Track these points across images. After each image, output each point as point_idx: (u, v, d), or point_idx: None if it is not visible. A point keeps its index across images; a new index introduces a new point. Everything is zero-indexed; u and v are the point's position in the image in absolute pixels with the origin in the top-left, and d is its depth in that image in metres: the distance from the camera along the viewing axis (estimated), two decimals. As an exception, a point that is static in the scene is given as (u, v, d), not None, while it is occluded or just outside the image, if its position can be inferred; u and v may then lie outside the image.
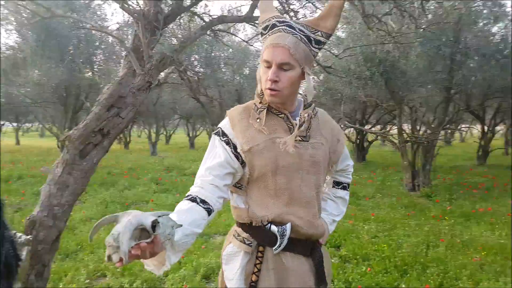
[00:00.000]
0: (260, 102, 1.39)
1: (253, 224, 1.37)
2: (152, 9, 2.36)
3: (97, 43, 9.93)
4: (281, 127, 1.38)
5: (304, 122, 1.38)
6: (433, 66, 6.66)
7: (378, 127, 14.74)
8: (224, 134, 1.38)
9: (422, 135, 7.98)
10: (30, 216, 2.16)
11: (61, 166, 2.22)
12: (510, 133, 15.93)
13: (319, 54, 1.50)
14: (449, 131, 14.18)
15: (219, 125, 1.42)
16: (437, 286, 3.40)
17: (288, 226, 1.35)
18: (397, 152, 9.65)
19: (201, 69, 8.14)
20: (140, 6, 2.30)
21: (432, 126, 8.02)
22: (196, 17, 3.18)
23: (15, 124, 20.17)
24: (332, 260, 3.93)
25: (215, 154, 1.37)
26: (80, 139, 2.18)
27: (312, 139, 1.40)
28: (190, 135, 22.34)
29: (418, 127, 8.54)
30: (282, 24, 1.33)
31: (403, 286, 3.40)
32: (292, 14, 3.18)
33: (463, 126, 17.41)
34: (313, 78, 1.59)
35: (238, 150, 1.35)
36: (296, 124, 1.37)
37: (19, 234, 1.99)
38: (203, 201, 1.28)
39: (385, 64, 6.33)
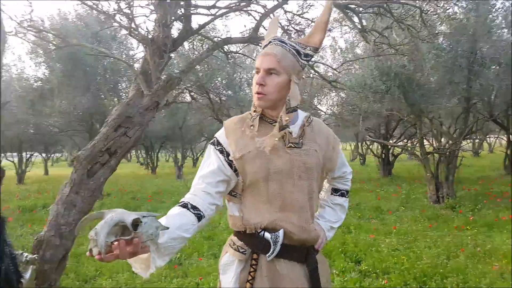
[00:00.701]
0: (255, 111, 1.46)
1: (247, 232, 1.41)
2: (161, 35, 2.57)
3: (123, 71, 10.41)
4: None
5: (283, 124, 1.41)
6: (451, 77, 6.62)
7: (404, 140, 14.51)
8: (218, 143, 1.45)
9: (443, 146, 7.85)
10: (37, 236, 2.21)
11: (69, 186, 2.33)
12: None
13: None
14: (476, 141, 13.75)
15: (215, 135, 1.49)
16: (457, 296, 3.35)
17: (281, 232, 1.38)
18: (419, 166, 9.49)
19: (223, 91, 8.42)
20: (149, 33, 2.52)
21: (454, 136, 7.89)
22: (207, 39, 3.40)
23: (44, 155, 20.81)
24: (351, 275, 3.94)
25: (209, 162, 1.44)
26: (87, 159, 2.33)
27: (305, 146, 1.45)
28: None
29: (439, 139, 8.41)
30: (275, 40, 1.45)
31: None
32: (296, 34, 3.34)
33: (490, 136, 16.82)
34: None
35: (231, 158, 1.41)
36: (290, 132, 1.43)
37: (25, 254, 2.02)
38: (194, 207, 1.34)
39: (400, 77, 6.36)
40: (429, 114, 7.68)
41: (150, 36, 2.55)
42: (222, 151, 1.43)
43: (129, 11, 2.28)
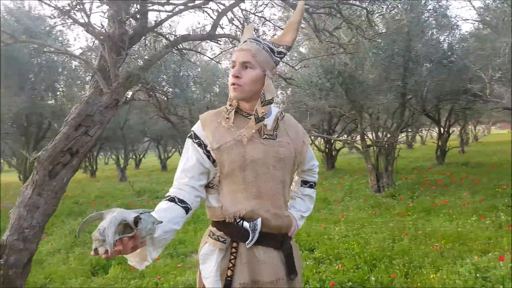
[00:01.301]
0: (230, 105, 1.53)
1: (226, 221, 1.47)
2: (117, 31, 2.52)
3: (60, 69, 9.81)
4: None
5: (259, 116, 1.49)
6: (388, 75, 7.11)
7: (345, 135, 15.28)
8: (196, 137, 1.50)
9: (382, 139, 8.42)
10: (-1, 241, 2.13)
11: (31, 188, 2.23)
12: (464, 132, 16.90)
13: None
14: (409, 134, 14.85)
15: (192, 128, 1.54)
16: (403, 275, 3.65)
17: (259, 221, 1.45)
18: (363, 158, 10.08)
19: (170, 89, 8.26)
20: (105, 29, 2.45)
21: (391, 130, 8.49)
22: (161, 37, 3.37)
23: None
24: (307, 262, 4.13)
25: (189, 156, 1.49)
26: (49, 159, 2.24)
27: (278, 138, 1.53)
28: (162, 157, 22.03)
29: (378, 132, 8.99)
30: (250, 39, 1.53)
31: (373, 278, 3.61)
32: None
33: (422, 129, 18.27)
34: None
35: (208, 149, 1.47)
36: (265, 124, 1.51)
37: None
38: (181, 201, 1.41)
39: (343, 75, 6.72)
40: (368, 110, 8.19)
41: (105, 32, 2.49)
42: (200, 144, 1.48)
43: (85, 7, 2.21)
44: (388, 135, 8.28)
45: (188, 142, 1.52)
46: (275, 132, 1.54)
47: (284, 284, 1.49)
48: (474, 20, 7.20)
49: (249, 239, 1.45)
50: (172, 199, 1.41)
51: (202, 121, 1.53)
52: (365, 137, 8.21)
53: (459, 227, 4.97)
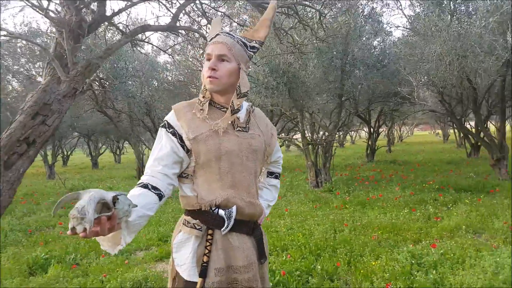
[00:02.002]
0: (204, 97, 1.55)
1: (202, 209, 1.50)
2: (74, 18, 2.40)
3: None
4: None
5: (235, 108, 1.54)
6: (327, 76, 7.49)
7: (283, 134, 15.73)
8: (170, 126, 1.50)
9: (321, 137, 8.85)
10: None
11: None
12: (391, 133, 18.32)
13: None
14: (342, 134, 15.74)
15: (165, 118, 1.54)
16: (346, 263, 3.90)
17: (234, 208, 1.50)
18: (301, 156, 10.50)
19: (107, 81, 7.89)
20: (61, 15, 2.32)
21: (329, 129, 8.96)
22: (113, 27, 3.24)
23: None
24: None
25: (162, 145, 1.49)
26: (4, 149, 2.10)
27: (250, 130, 1.59)
28: (93, 154, 20.88)
29: (317, 131, 9.43)
30: (223, 33, 1.58)
31: (319, 267, 3.81)
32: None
33: (354, 129, 19.45)
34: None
35: (184, 139, 1.48)
36: (238, 117, 1.56)
37: None
38: (154, 188, 1.41)
39: (288, 74, 6.96)
40: (309, 109, 8.56)
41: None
42: (175, 133, 1.49)
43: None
44: (326, 134, 8.72)
45: (162, 131, 1.52)
46: (247, 125, 1.59)
47: (256, 268, 1.56)
48: (405, 28, 7.85)
49: (225, 226, 1.49)
50: (145, 186, 1.41)
51: (176, 112, 1.54)
52: (306, 136, 8.56)
53: (393, 219, 5.41)
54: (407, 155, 16.71)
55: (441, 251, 3.86)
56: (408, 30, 8.26)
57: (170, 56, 7.33)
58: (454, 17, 6.97)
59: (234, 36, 1.57)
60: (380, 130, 16.32)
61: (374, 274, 3.53)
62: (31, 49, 9.17)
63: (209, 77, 1.49)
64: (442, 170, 10.53)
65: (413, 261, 3.71)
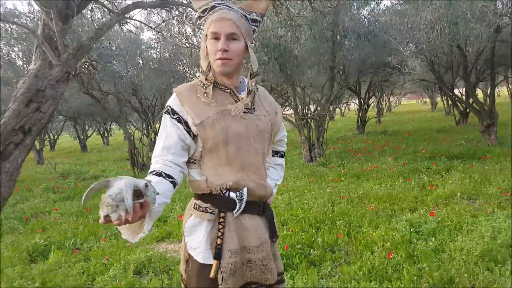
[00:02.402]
0: (206, 79, 1.47)
1: (213, 193, 1.47)
2: (62, -3, 2.28)
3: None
4: (228, 100, 1.49)
5: (252, 90, 1.51)
6: (319, 48, 7.38)
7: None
8: (174, 112, 1.45)
9: (313, 112, 8.82)
10: None
11: None
12: (380, 104, 18.39)
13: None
14: (333, 107, 15.74)
15: (168, 103, 1.48)
16: (345, 234, 3.96)
17: (245, 190, 1.48)
18: (293, 131, 10.49)
19: (94, 62, 7.67)
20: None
21: (322, 103, 8.92)
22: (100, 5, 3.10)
23: None
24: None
25: (168, 133, 1.45)
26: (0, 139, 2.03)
27: (256, 111, 1.54)
28: (81, 137, 20.59)
29: (310, 105, 9.39)
30: (221, 5, 1.45)
31: (319, 239, 3.86)
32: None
33: (345, 102, 19.47)
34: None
35: (190, 125, 1.44)
36: (243, 98, 1.50)
37: None
38: (169, 176, 1.39)
39: (279, 48, 6.82)
40: (300, 84, 8.49)
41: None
42: (180, 119, 1.45)
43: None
44: (319, 108, 8.69)
45: (166, 118, 1.47)
46: (253, 106, 1.54)
47: (268, 247, 1.56)
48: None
49: (237, 208, 1.48)
50: (159, 174, 1.38)
51: (178, 96, 1.48)
52: (298, 110, 8.52)
53: (388, 189, 5.48)
54: (397, 125, 16.85)
55: (439, 218, 3.94)
56: (397, -2, 8.13)
57: (160, 33, 7.10)
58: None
59: (234, 9, 1.47)
60: (370, 101, 16.35)
61: (375, 244, 3.59)
62: (7, 32, 8.80)
63: (221, 58, 1.42)
64: (433, 138, 10.65)
65: (411, 230, 3.79)
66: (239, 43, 1.44)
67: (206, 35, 1.47)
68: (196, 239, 1.50)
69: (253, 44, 1.58)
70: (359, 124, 14.10)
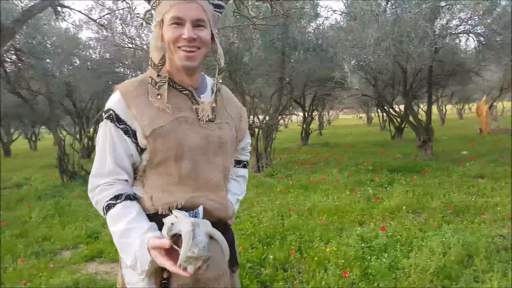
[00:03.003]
0: (158, 75, 1.18)
1: (160, 213, 1.19)
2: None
3: None
4: (186, 105, 1.22)
5: (218, 90, 1.27)
6: (269, 58, 7.31)
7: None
8: (119, 120, 1.16)
9: (261, 121, 8.71)
10: None
11: None
12: (322, 117, 18.90)
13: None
14: (281, 117, 15.92)
15: (110, 106, 1.18)
16: (296, 250, 3.78)
17: (201, 209, 1.21)
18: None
19: (23, 57, 6.90)
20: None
21: (270, 113, 8.84)
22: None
23: None
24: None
25: (115, 145, 1.18)
26: None
27: (217, 119, 1.28)
28: (4, 140, 18.71)
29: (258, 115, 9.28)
30: None
31: (271, 256, 3.63)
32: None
33: (291, 113, 19.78)
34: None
35: (138, 136, 1.17)
36: (203, 102, 1.25)
37: None
38: (133, 197, 1.19)
39: (230, 54, 6.61)
40: (250, 92, 8.34)
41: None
42: (127, 130, 1.17)
43: None
44: (267, 118, 8.60)
45: (109, 126, 1.18)
46: (214, 112, 1.27)
47: (227, 278, 1.28)
48: (342, 12, 7.88)
49: None
50: (129, 197, 1.18)
51: (124, 97, 1.17)
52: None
53: (336, 201, 5.44)
54: (337, 137, 17.41)
55: (389, 233, 3.91)
56: (344, 14, 8.31)
57: (102, 27, 6.53)
58: (389, 2, 7.14)
59: None
60: (314, 114, 16.74)
61: (328, 261, 3.44)
62: None
63: (187, 50, 1.15)
64: (372, 151, 11.05)
65: (363, 245, 3.70)
66: (206, 31, 1.17)
67: (162, 20, 1.17)
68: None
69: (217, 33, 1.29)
70: (303, 135, 14.31)
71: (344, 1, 7.80)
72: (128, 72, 9.43)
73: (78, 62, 9.43)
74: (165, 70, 1.20)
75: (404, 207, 4.92)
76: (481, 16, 6.36)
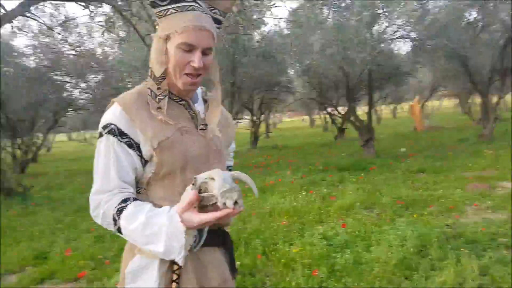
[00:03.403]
0: (159, 88, 1.19)
1: None
2: None
3: None
4: (184, 115, 1.25)
5: (208, 99, 1.32)
6: (219, 63, 7.32)
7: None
8: (122, 134, 1.16)
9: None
10: None
11: None
12: (268, 120, 19.25)
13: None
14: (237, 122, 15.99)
15: (110, 120, 1.17)
16: (262, 253, 3.82)
17: None
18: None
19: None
20: None
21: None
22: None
23: None
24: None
25: (120, 159, 1.17)
26: None
27: (210, 126, 1.30)
28: None
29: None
30: (197, 8, 1.18)
31: (238, 263, 3.63)
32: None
33: (241, 117, 19.91)
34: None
35: (142, 149, 1.17)
36: (198, 112, 1.27)
37: None
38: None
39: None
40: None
41: None
42: (131, 144, 1.17)
43: None
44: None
45: (111, 141, 1.16)
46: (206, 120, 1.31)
47: (231, 286, 1.32)
48: (288, 20, 8.11)
49: (196, 241, 1.20)
50: (137, 200, 1.18)
51: (126, 110, 1.17)
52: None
53: (293, 202, 5.58)
54: (284, 140, 17.82)
55: (349, 230, 4.10)
56: (289, 21, 8.57)
57: (59, 33, 6.10)
58: (331, 10, 7.50)
59: (202, 7, 1.19)
60: (261, 118, 17.01)
61: (294, 262, 3.53)
62: None
63: (193, 77, 1.16)
64: (319, 152, 11.46)
65: (326, 243, 3.84)
66: (211, 56, 1.20)
67: (168, 36, 1.16)
68: (143, 285, 1.18)
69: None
70: (252, 139, 14.48)
71: (289, 9, 8.05)
72: (68, 80, 8.93)
73: (12, 71, 8.70)
74: (166, 83, 1.20)
75: (357, 204, 5.18)
76: (415, 23, 6.90)
